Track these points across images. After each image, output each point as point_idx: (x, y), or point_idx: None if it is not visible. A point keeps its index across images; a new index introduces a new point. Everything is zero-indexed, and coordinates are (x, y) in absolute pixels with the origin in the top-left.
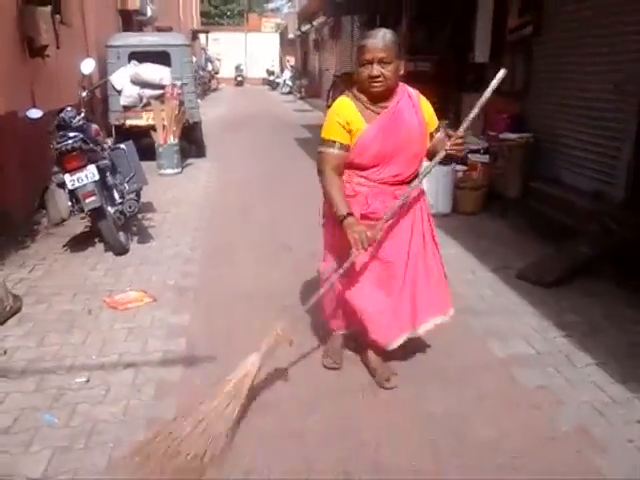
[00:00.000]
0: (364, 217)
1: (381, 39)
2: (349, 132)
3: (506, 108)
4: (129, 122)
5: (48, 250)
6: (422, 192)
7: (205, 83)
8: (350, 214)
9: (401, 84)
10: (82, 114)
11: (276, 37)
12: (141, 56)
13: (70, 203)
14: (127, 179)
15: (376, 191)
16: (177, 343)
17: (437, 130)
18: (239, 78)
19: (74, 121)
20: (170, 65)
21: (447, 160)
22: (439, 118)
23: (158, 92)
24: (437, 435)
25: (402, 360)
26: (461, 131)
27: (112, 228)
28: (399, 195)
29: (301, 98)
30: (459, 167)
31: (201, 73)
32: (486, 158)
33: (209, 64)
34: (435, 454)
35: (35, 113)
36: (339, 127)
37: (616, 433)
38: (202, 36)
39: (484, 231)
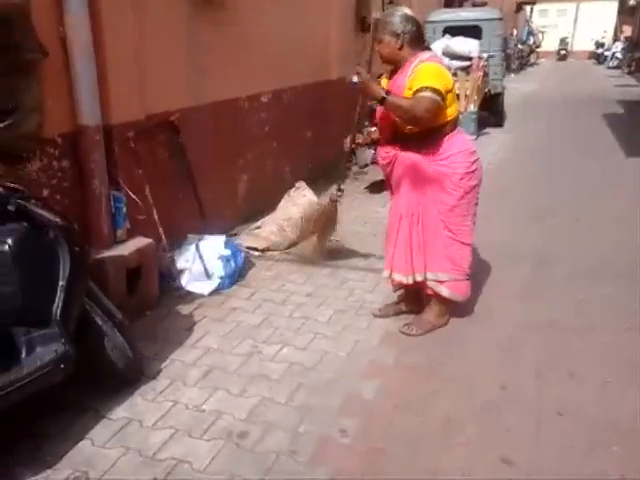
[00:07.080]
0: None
1: (377, 21)
2: None
3: None
4: None
5: (353, 189)
6: (462, 166)
7: (523, 57)
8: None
9: (421, 55)
10: None
11: (614, 5)
12: (455, 30)
13: (373, 151)
14: None
15: (382, 143)
16: None
17: (419, 91)
18: (562, 52)
19: None
20: (480, 38)
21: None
22: None
23: (465, 63)
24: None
25: None
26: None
27: None
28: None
29: (629, 73)
30: None
31: (520, 46)
32: None
33: (531, 37)
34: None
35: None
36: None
37: None
38: (527, 8)
39: None
